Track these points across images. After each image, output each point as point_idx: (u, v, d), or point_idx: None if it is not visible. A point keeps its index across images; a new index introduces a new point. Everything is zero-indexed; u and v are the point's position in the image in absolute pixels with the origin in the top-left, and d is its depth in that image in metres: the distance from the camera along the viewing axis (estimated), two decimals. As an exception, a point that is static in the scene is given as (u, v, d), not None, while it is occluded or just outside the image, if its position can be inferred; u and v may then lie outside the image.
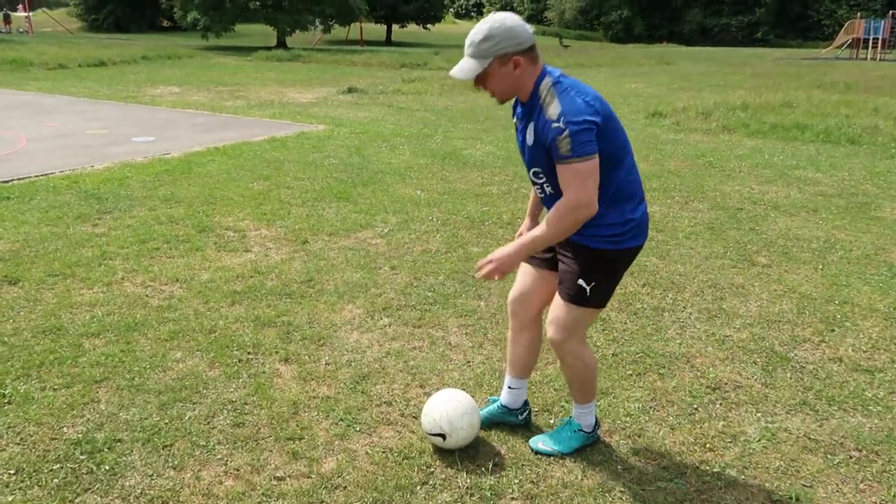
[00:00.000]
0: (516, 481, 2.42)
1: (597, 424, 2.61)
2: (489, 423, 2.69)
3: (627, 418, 2.81)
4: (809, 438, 2.69)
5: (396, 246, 4.83)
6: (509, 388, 2.66)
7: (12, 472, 2.40)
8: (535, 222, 2.60)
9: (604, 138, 2.13)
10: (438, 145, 8.65)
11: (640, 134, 9.89)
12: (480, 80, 2.20)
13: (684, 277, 4.32)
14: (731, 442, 2.66)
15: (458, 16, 75.99)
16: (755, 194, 6.42)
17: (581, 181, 2.09)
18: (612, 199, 2.24)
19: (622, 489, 2.38)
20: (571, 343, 2.37)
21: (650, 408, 2.88)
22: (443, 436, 2.49)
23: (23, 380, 2.98)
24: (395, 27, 48.40)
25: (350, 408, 2.85)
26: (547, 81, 2.17)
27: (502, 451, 2.58)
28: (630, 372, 3.17)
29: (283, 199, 5.93)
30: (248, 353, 3.29)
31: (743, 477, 2.46)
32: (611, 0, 60.02)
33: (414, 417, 2.78)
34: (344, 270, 4.35)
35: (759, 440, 2.67)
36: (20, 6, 46.39)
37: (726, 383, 3.08)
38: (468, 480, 2.41)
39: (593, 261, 2.28)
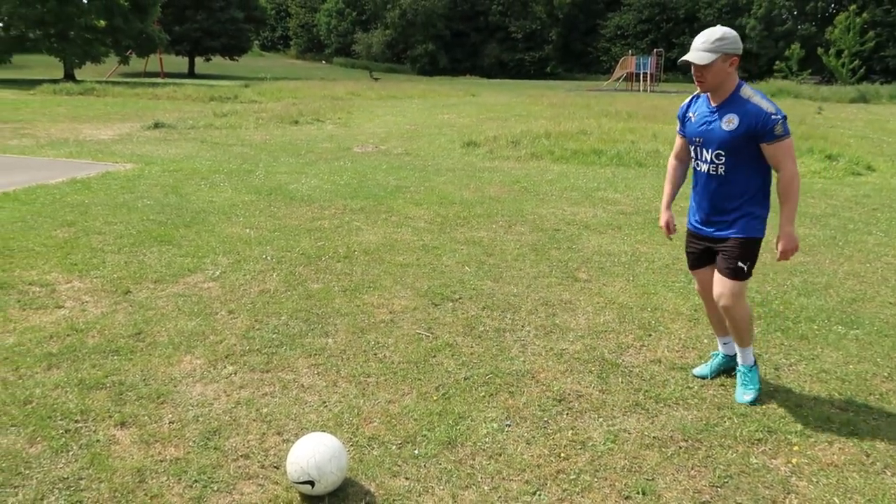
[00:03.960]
0: (390, 517, 2.41)
1: (755, 359, 3.41)
2: (716, 373, 3.50)
3: (486, 438, 2.92)
4: (645, 435, 2.98)
5: (231, 288, 4.61)
6: (724, 343, 3.52)
7: None
8: (673, 197, 3.45)
9: None
10: (262, 181, 8.41)
11: (459, 162, 10.37)
12: (704, 69, 2.90)
13: (518, 297, 4.59)
14: (581, 448, 2.87)
15: (263, 48, 74.59)
16: (568, 215, 7.00)
17: (793, 153, 2.95)
18: (767, 193, 3.11)
19: (492, 509, 2.47)
20: (739, 306, 3.16)
21: (506, 426, 3.02)
22: (311, 482, 2.42)
23: None
24: (198, 59, 46.43)
25: (204, 467, 2.67)
26: (747, 86, 2.98)
27: (372, 489, 2.56)
28: (483, 393, 3.30)
29: (94, 247, 5.42)
30: (76, 421, 2.96)
31: (595, 480, 2.66)
32: (416, 35, 62.54)
33: (275, 467, 2.67)
34: (176, 319, 4.07)
35: (604, 443, 2.91)
36: None
37: (569, 394, 3.32)
38: (342, 524, 2.36)
39: (748, 246, 3.09)
